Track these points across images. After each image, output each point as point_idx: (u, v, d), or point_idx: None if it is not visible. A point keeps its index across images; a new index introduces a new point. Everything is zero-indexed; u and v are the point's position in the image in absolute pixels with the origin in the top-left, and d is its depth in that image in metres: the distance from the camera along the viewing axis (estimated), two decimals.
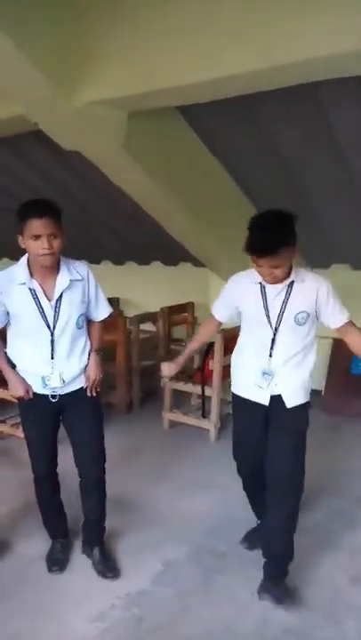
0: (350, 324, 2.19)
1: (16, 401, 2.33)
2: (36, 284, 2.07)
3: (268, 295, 2.13)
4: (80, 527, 2.57)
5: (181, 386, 4.08)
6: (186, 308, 5.18)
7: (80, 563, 2.49)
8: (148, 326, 4.96)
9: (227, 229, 4.25)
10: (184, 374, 4.02)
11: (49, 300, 2.10)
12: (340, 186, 3.64)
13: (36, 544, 2.57)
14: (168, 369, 2.48)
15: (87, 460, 2.33)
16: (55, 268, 2.10)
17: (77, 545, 2.59)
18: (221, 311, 2.41)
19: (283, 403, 2.19)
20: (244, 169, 3.89)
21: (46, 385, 2.19)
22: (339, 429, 4.16)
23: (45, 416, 2.26)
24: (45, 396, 2.22)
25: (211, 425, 3.92)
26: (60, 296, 2.11)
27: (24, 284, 2.06)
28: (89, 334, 2.31)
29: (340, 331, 2.20)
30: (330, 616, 2.18)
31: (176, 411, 4.14)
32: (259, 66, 2.37)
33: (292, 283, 2.10)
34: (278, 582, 2.25)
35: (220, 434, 3.90)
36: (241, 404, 2.33)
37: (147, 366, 4.67)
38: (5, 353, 2.23)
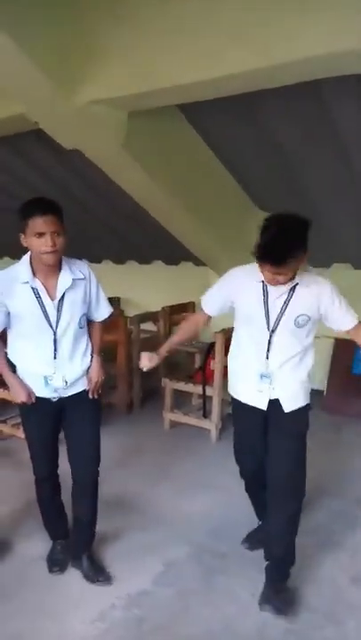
0: None
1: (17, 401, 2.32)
2: (38, 283, 2.06)
3: (270, 295, 2.08)
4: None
5: (182, 386, 4.07)
6: (187, 307, 5.17)
7: None
8: (148, 326, 4.96)
9: (227, 228, 4.26)
10: (182, 373, 4.00)
11: (51, 300, 2.09)
12: (342, 185, 3.63)
13: (36, 545, 2.56)
14: (148, 360, 2.26)
15: (84, 462, 2.31)
16: (57, 267, 2.09)
17: None
18: (213, 304, 2.29)
19: (281, 406, 2.16)
20: (245, 167, 3.88)
21: (48, 384, 2.17)
22: (340, 429, 4.15)
23: (46, 417, 2.25)
24: (47, 398, 2.21)
25: (212, 425, 3.91)
26: (63, 295, 2.10)
27: (27, 282, 2.05)
28: (90, 336, 2.30)
29: (351, 333, 2.14)
30: (330, 616, 2.17)
31: (177, 411, 4.13)
32: (259, 65, 2.36)
33: (296, 286, 2.05)
34: (280, 588, 2.22)
35: (221, 434, 3.90)
36: (239, 407, 2.29)
37: None
38: (6, 356, 2.22)
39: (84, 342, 2.26)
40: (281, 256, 1.88)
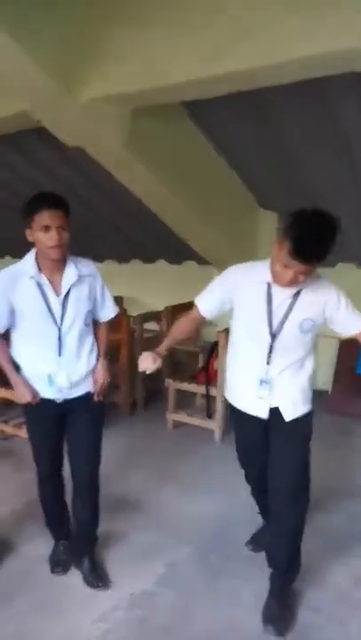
0: None
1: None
2: (44, 279, 2.06)
3: (275, 298, 1.95)
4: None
5: (185, 386, 4.05)
6: (190, 306, 5.14)
7: None
8: (151, 325, 4.94)
9: (231, 226, 4.24)
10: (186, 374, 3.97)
11: (57, 295, 2.08)
12: (347, 183, 3.61)
13: (38, 545, 2.55)
14: (153, 361, 2.09)
15: (84, 463, 2.29)
16: (63, 263, 2.09)
17: None
18: (209, 305, 2.13)
19: (282, 415, 2.06)
20: (248, 165, 3.86)
21: (52, 384, 2.15)
22: (345, 430, 4.12)
23: (50, 418, 2.23)
24: (51, 400, 2.19)
25: (215, 425, 3.89)
26: (68, 291, 2.09)
27: (32, 277, 2.04)
28: (95, 337, 2.28)
29: (359, 336, 1.99)
30: (334, 617, 2.15)
31: (180, 411, 4.11)
32: (260, 63, 2.36)
33: (301, 289, 1.94)
34: (284, 602, 2.14)
35: (224, 434, 3.86)
36: (239, 416, 2.18)
37: None
38: (11, 356, 2.20)
39: (90, 341, 2.24)
40: (321, 255, 1.75)
